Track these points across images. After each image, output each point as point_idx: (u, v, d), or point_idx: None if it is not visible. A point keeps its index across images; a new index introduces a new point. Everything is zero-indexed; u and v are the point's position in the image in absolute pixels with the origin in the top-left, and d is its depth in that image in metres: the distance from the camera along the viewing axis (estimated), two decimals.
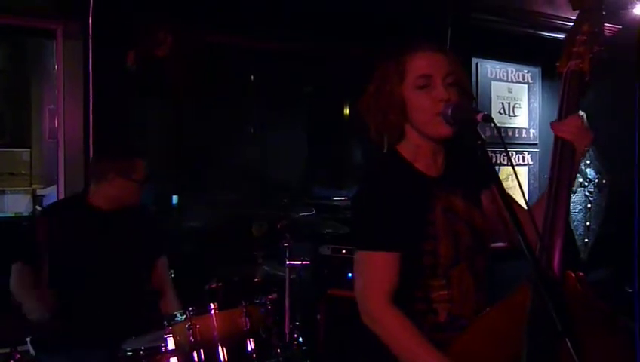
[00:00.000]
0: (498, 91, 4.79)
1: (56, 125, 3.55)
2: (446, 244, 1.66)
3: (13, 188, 4.51)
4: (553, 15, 4.48)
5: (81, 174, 3.29)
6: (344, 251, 3.56)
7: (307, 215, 3.55)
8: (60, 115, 3.45)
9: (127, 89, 3.46)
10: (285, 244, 3.16)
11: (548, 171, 1.65)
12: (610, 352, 1.52)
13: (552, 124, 1.65)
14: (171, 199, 4.05)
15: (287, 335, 3.02)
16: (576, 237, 5.00)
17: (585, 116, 4.91)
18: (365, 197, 1.71)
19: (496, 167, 4.49)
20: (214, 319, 2.40)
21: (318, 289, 3.56)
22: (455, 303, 1.66)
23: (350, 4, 3.88)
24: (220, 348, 2.37)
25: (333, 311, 3.48)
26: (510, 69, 4.86)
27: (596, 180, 5.12)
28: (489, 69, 4.74)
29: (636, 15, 4.24)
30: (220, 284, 3.10)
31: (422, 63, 1.66)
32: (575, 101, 1.65)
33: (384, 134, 1.73)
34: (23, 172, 4.61)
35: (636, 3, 4.22)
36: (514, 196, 1.63)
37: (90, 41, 3.31)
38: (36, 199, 4.50)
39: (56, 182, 3.58)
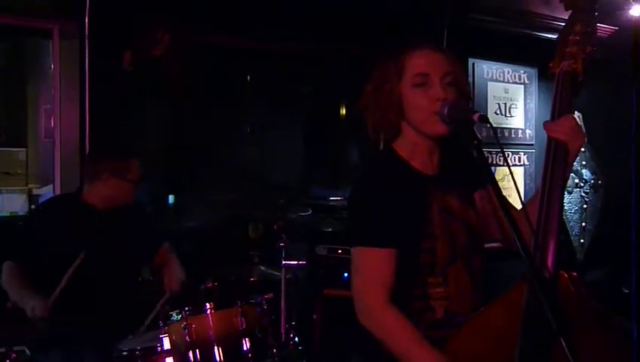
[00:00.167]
0: (494, 92, 4.81)
1: (52, 125, 3.55)
2: (443, 243, 1.66)
3: (8, 188, 4.50)
4: (550, 16, 4.49)
5: (77, 174, 3.29)
6: (340, 251, 3.57)
7: (304, 215, 3.55)
8: (57, 114, 3.45)
9: (123, 89, 3.46)
10: (281, 244, 3.16)
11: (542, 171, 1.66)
12: (604, 352, 1.52)
13: (545, 124, 1.66)
14: (168, 199, 4.05)
15: (283, 335, 3.02)
16: (572, 237, 5.01)
17: (581, 117, 4.93)
18: (362, 195, 1.72)
19: (493, 168, 4.50)
20: (210, 319, 2.40)
21: (314, 289, 3.56)
22: (452, 300, 1.66)
23: (349, 4, 3.88)
24: (215, 347, 2.37)
25: (329, 311, 3.48)
26: (506, 70, 4.87)
27: (592, 181, 5.13)
28: (485, 70, 4.75)
29: (632, 16, 4.25)
30: (215, 284, 3.10)
31: (420, 62, 1.67)
32: (568, 101, 1.65)
33: (381, 131, 1.74)
34: (19, 171, 4.60)
35: (632, 4, 4.23)
36: (510, 196, 1.64)
37: (86, 40, 3.31)
38: (32, 199, 4.49)
39: (52, 182, 3.58)
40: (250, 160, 4.48)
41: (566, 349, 1.31)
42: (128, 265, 2.79)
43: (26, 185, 4.60)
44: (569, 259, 4.85)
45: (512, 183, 1.50)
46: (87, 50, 3.32)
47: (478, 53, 4.64)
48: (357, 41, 4.02)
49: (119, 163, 2.72)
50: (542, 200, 1.59)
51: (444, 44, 3.92)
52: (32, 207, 4.36)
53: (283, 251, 3.15)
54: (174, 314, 2.40)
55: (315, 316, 3.53)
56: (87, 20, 3.29)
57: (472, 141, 1.54)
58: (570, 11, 1.71)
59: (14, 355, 2.38)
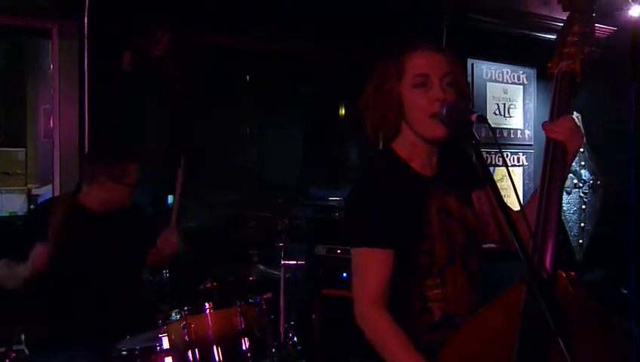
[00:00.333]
0: (493, 92, 4.81)
1: (51, 125, 3.54)
2: (441, 244, 1.67)
3: (8, 188, 4.50)
4: (549, 16, 4.50)
5: (77, 174, 3.28)
6: (339, 251, 3.57)
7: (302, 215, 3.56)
8: (56, 114, 3.45)
9: (123, 89, 3.46)
10: (280, 244, 3.17)
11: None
12: (603, 352, 1.52)
13: (543, 124, 1.66)
14: (167, 199, 4.05)
15: (282, 335, 3.03)
16: (570, 238, 5.01)
17: (580, 117, 4.93)
18: (360, 195, 1.72)
19: (491, 168, 4.50)
20: (209, 318, 2.40)
21: (312, 288, 3.56)
22: (449, 302, 1.67)
23: (349, 4, 3.89)
24: (214, 347, 2.37)
25: (328, 311, 3.48)
26: (505, 70, 4.87)
27: (591, 181, 5.13)
28: (484, 70, 4.75)
29: (630, 17, 4.26)
30: (214, 284, 3.11)
31: (420, 62, 1.67)
32: (566, 102, 1.65)
33: (380, 131, 1.74)
34: (18, 171, 4.60)
35: (630, 5, 4.24)
36: (508, 197, 1.64)
37: (85, 40, 3.31)
38: (31, 199, 4.49)
39: (52, 182, 3.58)
40: (250, 160, 4.49)
41: (564, 350, 1.31)
42: (127, 266, 2.78)
43: (25, 185, 4.60)
44: (568, 259, 4.85)
45: (511, 184, 1.50)
46: (86, 50, 3.31)
47: (477, 54, 4.64)
48: (357, 41, 4.02)
49: (117, 166, 2.70)
50: (540, 201, 1.59)
51: (444, 45, 3.93)
52: (31, 207, 4.36)
53: (282, 251, 3.15)
54: (174, 314, 2.40)
55: (313, 316, 3.53)
56: (86, 20, 3.29)
57: (470, 141, 1.54)
58: (568, 12, 1.71)
59: (14, 355, 2.38)
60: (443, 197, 1.71)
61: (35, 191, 4.52)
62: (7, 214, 4.34)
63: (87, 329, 2.56)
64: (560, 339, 1.32)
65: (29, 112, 4.86)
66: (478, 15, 4.39)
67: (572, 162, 1.67)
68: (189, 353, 2.33)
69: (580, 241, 5.05)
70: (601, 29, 4.17)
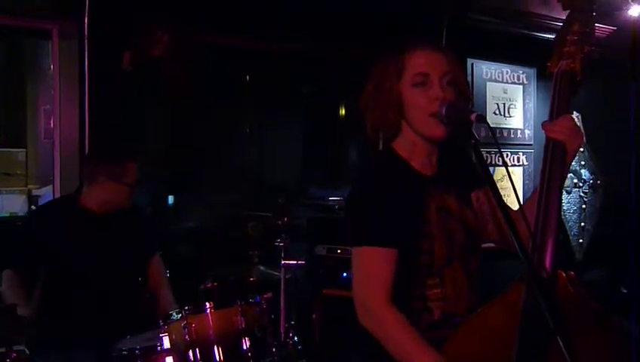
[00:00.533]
0: (493, 92, 4.81)
1: (51, 125, 3.54)
2: (441, 243, 1.67)
3: (8, 189, 4.50)
4: (548, 16, 4.50)
5: (77, 174, 3.28)
6: (339, 251, 3.57)
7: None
8: (56, 115, 3.45)
9: (123, 89, 3.46)
10: (281, 244, 3.17)
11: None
12: (603, 352, 1.52)
13: (543, 124, 1.66)
14: (167, 199, 4.05)
15: (283, 335, 3.02)
16: (570, 237, 5.01)
17: (579, 117, 4.93)
18: (361, 194, 1.72)
19: (491, 168, 4.50)
20: (210, 318, 2.40)
21: (313, 288, 3.56)
22: (448, 301, 1.67)
23: (349, 4, 3.89)
24: (215, 347, 2.37)
25: (329, 311, 3.49)
26: (505, 70, 4.88)
27: (591, 181, 5.14)
28: (484, 70, 4.75)
29: (630, 16, 4.26)
30: (215, 284, 3.10)
31: (420, 61, 1.67)
32: (566, 101, 1.65)
33: (380, 131, 1.74)
34: (19, 172, 4.60)
35: (630, 4, 4.24)
36: (508, 197, 1.64)
37: (86, 41, 3.31)
38: (32, 199, 4.49)
39: (52, 183, 3.58)
40: (250, 160, 4.49)
41: (564, 349, 1.31)
42: (127, 266, 2.78)
43: (26, 186, 4.61)
44: (568, 259, 4.85)
45: (510, 183, 1.50)
46: (86, 51, 3.31)
47: (477, 54, 4.64)
48: (357, 41, 4.02)
49: (116, 166, 2.70)
50: (540, 200, 1.59)
51: (444, 45, 3.93)
52: (32, 207, 4.36)
53: (282, 251, 3.15)
54: (174, 314, 2.41)
55: (314, 315, 3.53)
56: (86, 20, 3.29)
57: (470, 141, 1.54)
58: (568, 11, 1.71)
59: (14, 355, 2.38)
60: (443, 197, 1.71)
61: (35, 192, 4.53)
62: (8, 215, 4.34)
63: (87, 329, 2.56)
64: (559, 339, 1.32)
65: (29, 113, 4.86)
66: (478, 15, 4.40)
67: (572, 161, 1.67)
68: (190, 352, 2.33)
69: (580, 241, 5.06)
70: (601, 28, 4.17)
